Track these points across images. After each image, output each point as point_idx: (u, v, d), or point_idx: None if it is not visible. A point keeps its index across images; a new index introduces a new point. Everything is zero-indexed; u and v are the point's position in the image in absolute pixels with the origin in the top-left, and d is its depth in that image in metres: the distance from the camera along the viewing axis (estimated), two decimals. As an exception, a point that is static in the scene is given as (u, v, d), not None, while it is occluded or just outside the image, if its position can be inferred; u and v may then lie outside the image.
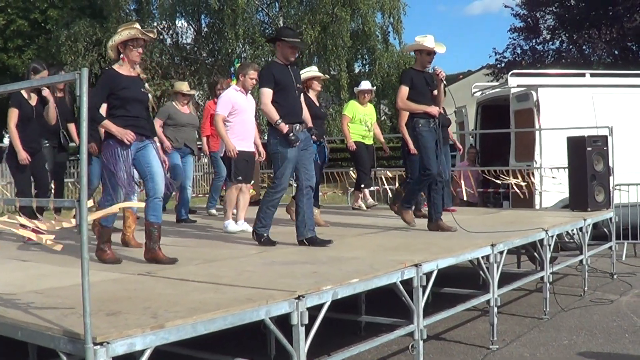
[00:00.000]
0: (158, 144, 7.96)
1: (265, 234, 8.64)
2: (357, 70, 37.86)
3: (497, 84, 20.57)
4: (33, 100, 9.73)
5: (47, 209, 5.82)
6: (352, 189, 14.85)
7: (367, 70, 36.45)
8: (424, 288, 6.73)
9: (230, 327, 4.78)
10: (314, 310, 5.36)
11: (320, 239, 8.52)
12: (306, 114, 9.00)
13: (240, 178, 10.39)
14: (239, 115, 10.23)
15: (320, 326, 5.43)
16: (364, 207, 13.72)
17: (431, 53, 9.78)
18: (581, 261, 10.85)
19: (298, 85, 8.81)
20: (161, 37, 38.46)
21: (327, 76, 14.01)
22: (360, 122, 13.28)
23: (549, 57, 36.03)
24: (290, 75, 8.70)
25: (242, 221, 10.31)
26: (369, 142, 13.44)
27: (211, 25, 38.25)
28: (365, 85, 13.75)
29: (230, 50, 34.67)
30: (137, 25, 7.52)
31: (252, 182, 11.29)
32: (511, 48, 37.14)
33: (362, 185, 13.61)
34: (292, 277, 6.10)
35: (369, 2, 34.94)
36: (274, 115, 8.42)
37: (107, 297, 5.19)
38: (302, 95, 9.02)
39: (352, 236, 9.45)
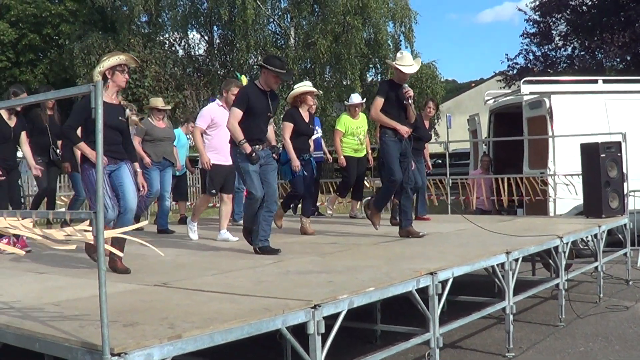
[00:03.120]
0: (138, 169, 8.34)
1: (261, 245, 8.82)
2: (369, 80, 37.90)
3: (509, 91, 20.53)
4: (12, 121, 10.09)
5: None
6: (366, 198, 15.00)
7: (379, 80, 36.46)
8: (440, 296, 6.73)
9: (247, 337, 4.79)
10: (330, 319, 5.37)
11: (271, 247, 8.72)
12: (270, 134, 9.25)
13: (213, 192, 10.90)
14: (217, 129, 10.59)
15: (336, 335, 5.44)
16: (330, 213, 14.38)
17: (401, 72, 10.09)
18: (596, 268, 10.83)
19: (269, 114, 9.00)
20: (173, 48, 38.65)
21: (321, 92, 14.19)
22: (353, 135, 13.54)
23: (561, 63, 36.01)
24: (267, 102, 8.89)
25: (224, 230, 10.61)
26: (361, 154, 13.74)
27: (223, 36, 38.42)
28: (356, 99, 13.96)
29: (242, 61, 34.81)
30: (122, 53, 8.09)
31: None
32: (524, 54, 37.14)
33: (337, 193, 14.47)
34: (308, 286, 6.11)
35: (381, 11, 35.04)
36: (239, 135, 8.64)
37: (124, 308, 5.20)
38: (271, 119, 9.25)
39: (367, 245, 9.46)
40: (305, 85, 11.65)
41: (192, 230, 10.77)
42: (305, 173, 11.31)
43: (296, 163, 10.97)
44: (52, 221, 10.15)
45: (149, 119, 12.73)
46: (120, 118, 7.84)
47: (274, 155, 9.15)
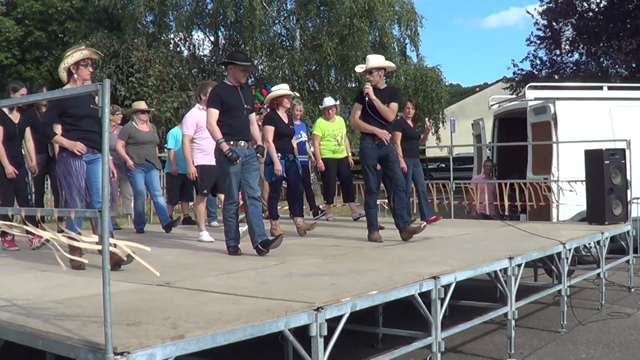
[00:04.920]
0: (110, 157, 8.47)
1: (232, 244, 8.98)
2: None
3: (514, 96, 20.53)
4: (15, 117, 10.22)
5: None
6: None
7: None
8: (442, 300, 6.72)
9: (249, 338, 4.79)
10: (332, 322, 5.37)
11: (270, 240, 8.84)
12: (255, 133, 9.33)
13: (205, 192, 11.09)
14: (204, 132, 10.63)
15: (338, 338, 5.43)
16: (330, 218, 14.24)
17: (368, 72, 10.29)
18: (598, 275, 10.83)
19: (247, 106, 9.12)
20: (178, 48, 38.62)
21: (297, 94, 14.18)
22: (330, 137, 13.74)
23: (568, 69, 35.99)
24: (239, 97, 9.04)
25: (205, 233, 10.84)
26: (341, 155, 13.94)
27: (228, 37, 38.39)
28: (329, 101, 14.26)
29: (247, 62, 34.73)
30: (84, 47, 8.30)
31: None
32: (530, 58, 37.11)
33: (325, 202, 14.49)
34: (310, 288, 6.11)
35: (387, 14, 34.98)
36: (217, 134, 8.83)
37: (127, 308, 5.21)
38: (252, 114, 9.34)
39: (370, 248, 9.46)
40: (282, 89, 11.72)
41: (204, 236, 10.70)
42: (286, 176, 11.50)
43: (278, 167, 11.15)
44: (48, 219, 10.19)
45: (133, 122, 12.86)
46: (92, 106, 8.04)
47: (258, 155, 9.26)
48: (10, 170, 9.90)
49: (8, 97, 10.28)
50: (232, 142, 8.81)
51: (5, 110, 10.03)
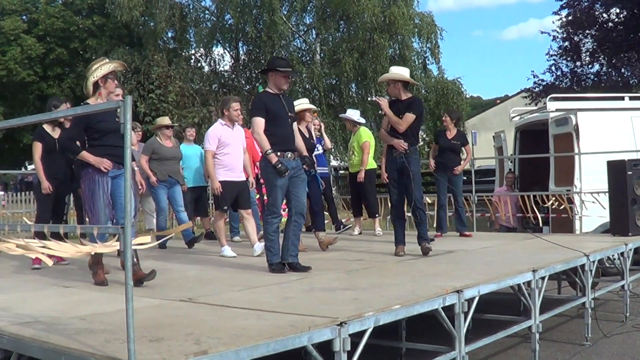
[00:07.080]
0: (136, 168, 8.41)
1: (275, 261, 8.71)
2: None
3: (535, 108, 20.46)
4: (55, 133, 10.15)
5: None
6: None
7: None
8: (466, 314, 6.69)
9: (272, 354, 4.77)
10: (355, 337, 5.34)
11: (301, 265, 8.65)
12: (299, 142, 9.20)
13: (225, 207, 10.99)
14: (226, 148, 10.74)
15: (361, 352, 5.41)
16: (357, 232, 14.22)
17: (389, 82, 10.23)
18: (623, 286, 10.73)
19: (290, 114, 8.97)
20: (199, 64, 38.70)
21: (318, 109, 14.09)
22: (350, 150, 14.02)
23: (589, 80, 35.88)
24: (282, 104, 8.87)
25: (258, 244, 10.53)
26: (353, 170, 13.96)
27: (249, 52, 38.44)
28: (347, 113, 14.39)
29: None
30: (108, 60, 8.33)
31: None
32: (552, 70, 37.01)
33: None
34: (333, 303, 6.09)
35: (407, 27, 34.96)
36: (266, 144, 8.61)
37: (150, 323, 5.20)
38: (295, 123, 9.20)
39: (392, 262, 9.43)
40: (303, 103, 11.74)
41: (226, 251, 10.67)
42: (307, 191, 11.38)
43: None
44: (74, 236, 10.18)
45: (157, 138, 12.92)
46: (117, 120, 7.90)
47: (304, 166, 9.12)
48: (45, 185, 9.88)
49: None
50: (278, 154, 8.62)
51: (47, 127, 10.07)
